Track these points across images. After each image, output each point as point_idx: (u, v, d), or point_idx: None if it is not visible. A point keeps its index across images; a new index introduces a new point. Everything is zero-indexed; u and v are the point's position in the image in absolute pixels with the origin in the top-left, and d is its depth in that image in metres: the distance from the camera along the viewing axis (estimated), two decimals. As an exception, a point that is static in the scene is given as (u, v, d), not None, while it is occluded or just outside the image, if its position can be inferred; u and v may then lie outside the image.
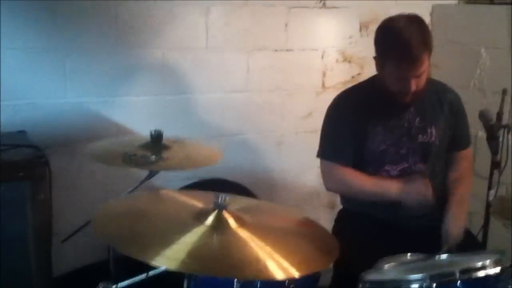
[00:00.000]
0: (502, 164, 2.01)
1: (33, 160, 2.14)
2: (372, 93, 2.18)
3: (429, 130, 2.19)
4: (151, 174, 2.17)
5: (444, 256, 1.81)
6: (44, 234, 2.18)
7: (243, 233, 1.44)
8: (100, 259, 2.56)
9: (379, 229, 2.11)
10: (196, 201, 1.61)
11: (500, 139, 2.01)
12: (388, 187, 2.12)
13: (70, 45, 2.57)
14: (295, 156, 3.13)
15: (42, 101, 2.57)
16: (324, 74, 3.14)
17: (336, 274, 2.13)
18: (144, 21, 2.69)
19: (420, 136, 2.18)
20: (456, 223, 2.10)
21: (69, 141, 2.58)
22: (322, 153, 2.24)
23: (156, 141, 2.15)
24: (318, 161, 2.26)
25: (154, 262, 1.30)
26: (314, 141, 2.29)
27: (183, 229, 1.42)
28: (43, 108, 2.57)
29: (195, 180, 2.82)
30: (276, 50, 3.00)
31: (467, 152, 2.36)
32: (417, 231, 2.11)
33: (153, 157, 2.07)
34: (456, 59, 3.12)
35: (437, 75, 2.45)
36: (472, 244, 2.11)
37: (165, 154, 2.12)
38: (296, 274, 1.34)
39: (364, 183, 2.16)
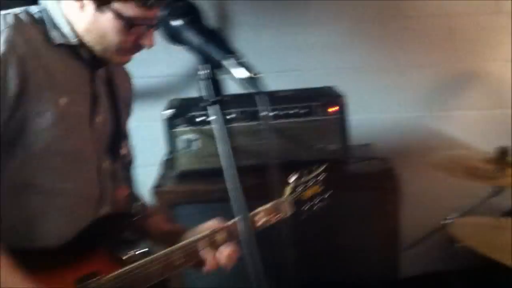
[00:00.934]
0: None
1: (382, 173, 2.32)
2: None
3: None
4: (496, 192, 2.14)
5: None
6: (390, 241, 2.35)
7: None
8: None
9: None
10: None
11: None
12: None
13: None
14: None
15: (382, 116, 2.80)
16: None
17: None
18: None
19: None
20: None
21: (408, 153, 2.70)
22: None
23: (501, 157, 2.12)
24: None
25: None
26: None
27: None
28: (382, 122, 2.80)
29: None
30: None
31: None
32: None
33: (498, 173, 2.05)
34: None
35: None
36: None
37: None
38: None
39: None
